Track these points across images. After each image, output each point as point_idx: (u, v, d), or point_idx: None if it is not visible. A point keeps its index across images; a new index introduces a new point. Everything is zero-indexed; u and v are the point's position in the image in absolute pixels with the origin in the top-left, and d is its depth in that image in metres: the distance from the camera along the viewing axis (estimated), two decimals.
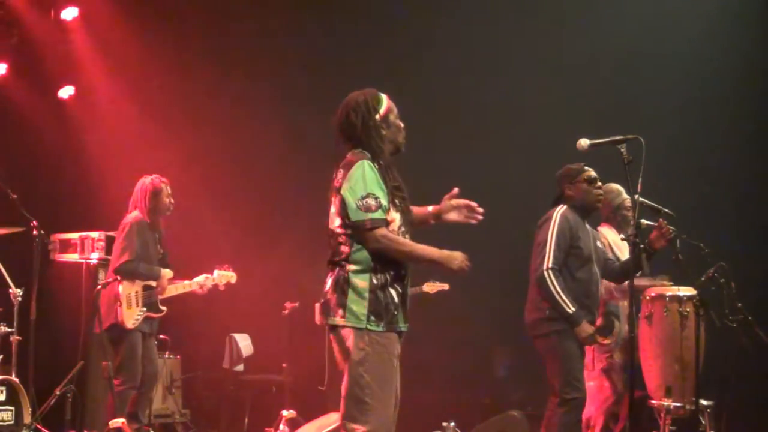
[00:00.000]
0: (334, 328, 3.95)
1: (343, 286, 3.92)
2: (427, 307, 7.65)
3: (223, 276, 6.51)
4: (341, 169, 4.01)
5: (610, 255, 5.59)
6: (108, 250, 7.02)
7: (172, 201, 6.42)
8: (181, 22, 8.72)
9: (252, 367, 8.12)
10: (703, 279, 5.67)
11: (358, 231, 3.90)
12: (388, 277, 3.93)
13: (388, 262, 3.93)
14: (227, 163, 8.71)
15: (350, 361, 3.89)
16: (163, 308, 6.31)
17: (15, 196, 6.39)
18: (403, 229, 4.01)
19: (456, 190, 4.15)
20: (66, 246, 7.38)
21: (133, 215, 6.29)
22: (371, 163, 3.95)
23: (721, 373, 6.29)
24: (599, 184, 5.37)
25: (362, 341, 3.88)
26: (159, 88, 8.63)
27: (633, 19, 8.19)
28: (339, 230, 3.97)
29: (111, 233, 7.05)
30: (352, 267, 3.92)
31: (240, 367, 8.03)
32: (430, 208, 4.22)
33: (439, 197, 4.24)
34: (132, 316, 6.13)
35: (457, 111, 8.29)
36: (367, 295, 3.89)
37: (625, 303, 5.70)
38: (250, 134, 8.73)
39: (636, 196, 4.48)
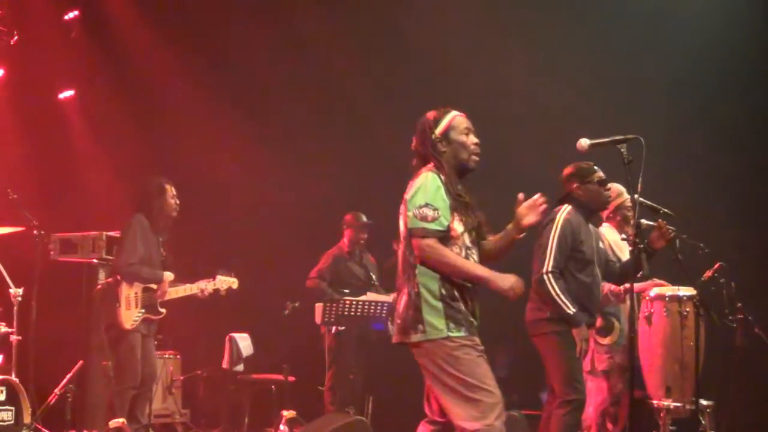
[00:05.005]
0: (417, 345, 3.92)
1: (415, 301, 3.91)
2: None
3: (225, 281, 6.48)
4: (411, 181, 4.03)
5: (611, 256, 5.56)
6: (108, 250, 7.02)
7: (178, 202, 6.39)
8: (180, 23, 8.73)
9: (252, 367, 8.11)
10: (703, 279, 5.68)
11: (412, 238, 3.90)
12: (456, 285, 3.91)
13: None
14: (229, 163, 8.72)
15: (445, 371, 3.87)
16: (163, 310, 6.28)
17: (15, 196, 6.39)
18: (467, 244, 3.98)
19: (521, 195, 4.11)
20: (66, 246, 7.37)
21: (137, 217, 6.28)
22: (436, 174, 3.95)
23: (721, 373, 6.29)
24: (609, 185, 5.34)
25: (449, 348, 3.87)
26: (160, 89, 8.63)
27: (633, 18, 8.19)
28: (404, 243, 3.98)
29: (111, 233, 7.05)
30: (420, 279, 3.91)
31: (240, 367, 8.02)
32: (508, 227, 4.14)
33: None
34: (130, 317, 6.11)
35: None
36: (440, 305, 3.89)
37: (623, 305, 5.70)
38: (250, 136, 8.75)
39: (636, 196, 4.47)
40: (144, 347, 6.20)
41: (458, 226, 3.95)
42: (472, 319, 3.96)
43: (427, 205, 3.88)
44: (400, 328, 3.97)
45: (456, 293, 3.92)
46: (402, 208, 4.02)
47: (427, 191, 3.91)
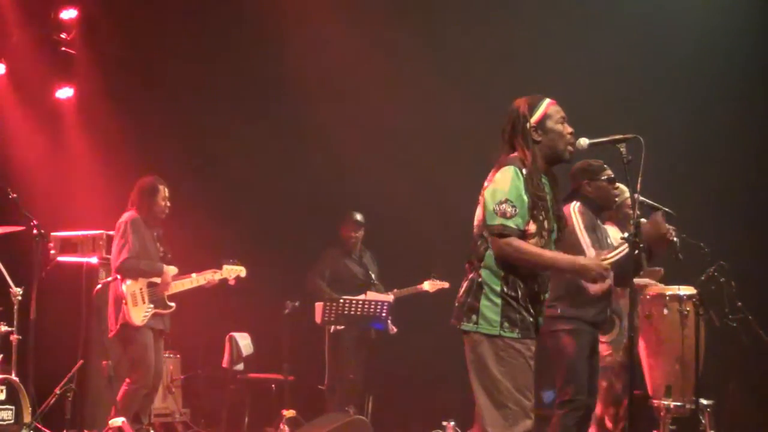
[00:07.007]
0: (467, 333, 3.88)
1: (476, 290, 3.85)
2: (428, 305, 7.66)
3: (232, 270, 6.46)
4: (492, 170, 3.96)
5: None
6: (108, 249, 7.02)
7: (168, 204, 6.39)
8: (175, 23, 8.73)
9: (252, 366, 8.12)
10: (703, 278, 5.68)
11: (490, 235, 3.85)
12: (519, 287, 3.84)
13: (520, 273, 3.85)
14: (229, 162, 8.72)
15: (485, 367, 3.82)
16: (172, 304, 6.27)
17: (15, 196, 6.39)
18: (536, 240, 3.89)
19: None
20: (66, 246, 7.36)
21: (129, 214, 6.29)
22: (518, 170, 3.87)
23: (721, 372, 6.30)
24: (617, 184, 5.33)
25: (497, 347, 3.81)
26: (158, 88, 8.62)
27: (633, 18, 8.19)
28: (478, 231, 3.93)
29: (111, 233, 7.04)
30: (485, 271, 3.86)
31: (240, 367, 8.03)
32: None
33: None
34: (140, 313, 6.10)
35: (457, 112, 8.30)
36: (499, 301, 3.82)
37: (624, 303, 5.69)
38: (250, 135, 8.74)
39: (636, 195, 4.47)
40: (154, 346, 6.20)
41: (531, 227, 3.88)
42: (531, 321, 3.87)
43: (507, 201, 3.82)
44: (456, 311, 3.93)
45: (519, 293, 3.84)
46: (480, 196, 3.95)
47: (508, 187, 3.84)
